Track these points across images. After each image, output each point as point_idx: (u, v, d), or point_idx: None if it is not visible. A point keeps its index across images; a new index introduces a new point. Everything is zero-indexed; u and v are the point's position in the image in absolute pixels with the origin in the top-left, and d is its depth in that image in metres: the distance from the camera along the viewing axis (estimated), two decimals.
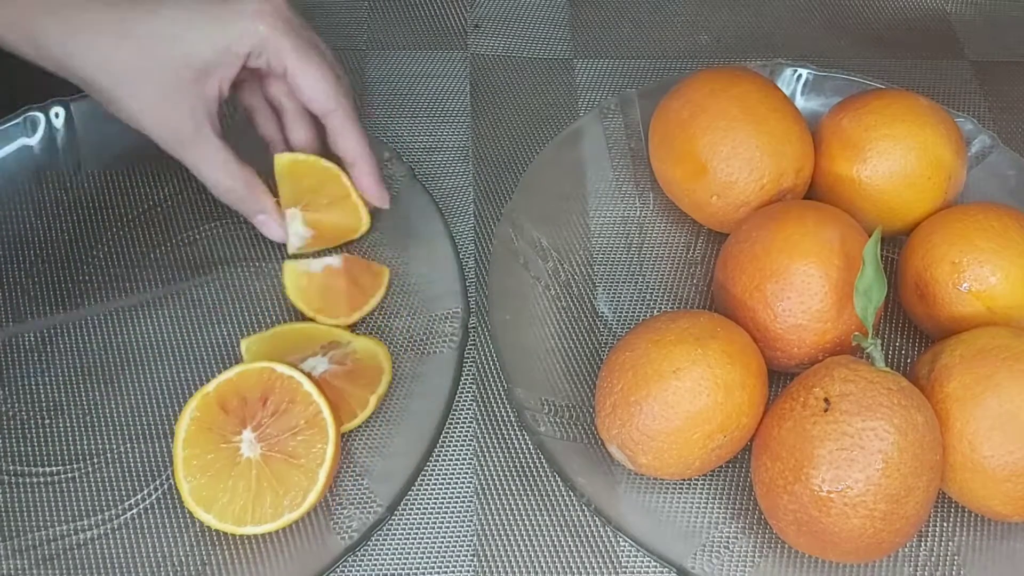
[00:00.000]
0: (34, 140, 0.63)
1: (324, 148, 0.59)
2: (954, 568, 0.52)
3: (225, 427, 0.50)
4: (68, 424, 0.54)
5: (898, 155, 0.58)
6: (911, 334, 0.61)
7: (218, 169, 0.55)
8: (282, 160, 0.58)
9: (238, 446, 0.50)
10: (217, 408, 0.51)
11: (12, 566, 0.49)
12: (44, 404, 0.55)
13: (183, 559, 0.50)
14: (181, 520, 0.51)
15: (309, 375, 0.51)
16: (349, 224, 0.60)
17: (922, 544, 0.53)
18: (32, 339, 0.57)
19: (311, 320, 0.57)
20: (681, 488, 0.54)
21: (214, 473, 0.49)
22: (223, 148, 0.54)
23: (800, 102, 0.68)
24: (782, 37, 0.76)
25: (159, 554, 0.50)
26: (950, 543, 0.53)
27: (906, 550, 0.53)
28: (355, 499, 0.51)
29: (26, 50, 0.51)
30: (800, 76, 0.68)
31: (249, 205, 0.57)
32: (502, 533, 0.53)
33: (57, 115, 0.63)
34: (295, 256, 0.60)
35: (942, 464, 0.50)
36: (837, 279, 0.53)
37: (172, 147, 0.54)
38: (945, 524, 0.54)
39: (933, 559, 0.52)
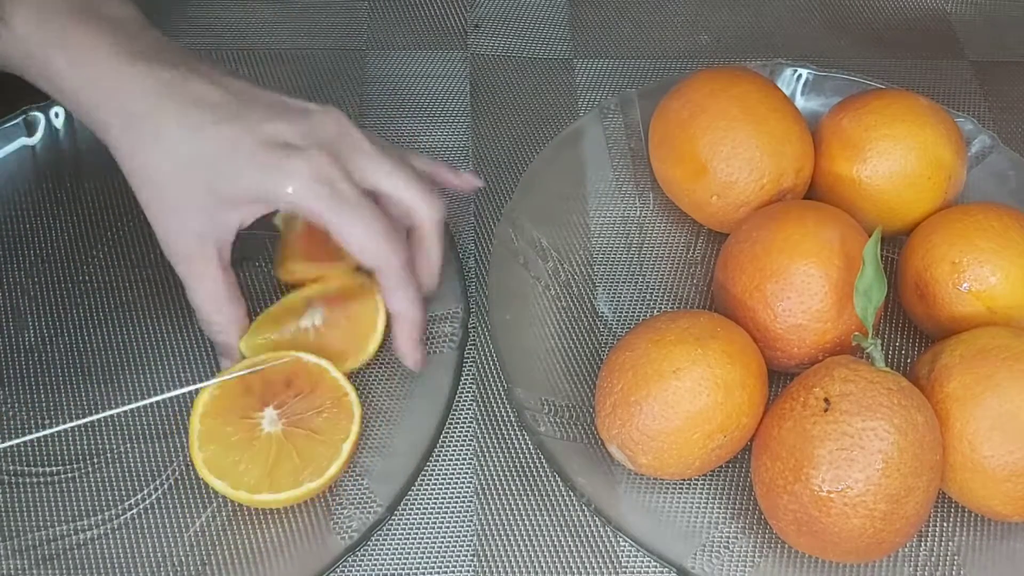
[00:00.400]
0: (34, 140, 0.63)
1: None
2: (954, 568, 0.52)
3: (246, 405, 0.51)
4: (68, 422, 0.54)
5: (898, 155, 0.58)
6: (911, 334, 0.61)
7: (206, 299, 0.53)
8: None
9: (259, 422, 0.50)
10: (239, 388, 0.51)
11: (12, 566, 0.49)
12: (44, 404, 0.54)
13: (183, 559, 0.50)
14: (181, 520, 0.51)
15: (344, 375, 0.52)
16: (352, 352, 0.56)
17: (922, 544, 0.53)
18: (32, 339, 0.57)
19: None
20: (681, 488, 0.54)
21: (231, 444, 0.50)
22: (219, 279, 0.52)
23: (800, 102, 0.68)
24: (782, 37, 0.76)
25: (159, 554, 0.50)
26: (950, 543, 0.53)
27: (906, 550, 0.53)
28: (355, 499, 0.51)
29: (79, 117, 0.51)
30: (800, 76, 0.68)
31: (220, 347, 0.54)
32: (502, 533, 0.53)
33: (57, 115, 0.63)
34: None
35: (942, 464, 0.50)
36: (837, 279, 0.53)
37: (169, 255, 0.52)
38: (945, 524, 0.54)
39: (933, 559, 0.52)
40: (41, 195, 0.62)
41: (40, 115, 0.63)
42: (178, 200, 0.50)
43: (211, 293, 0.52)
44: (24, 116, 0.62)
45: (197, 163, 0.50)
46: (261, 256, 0.59)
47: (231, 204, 0.50)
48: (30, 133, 0.63)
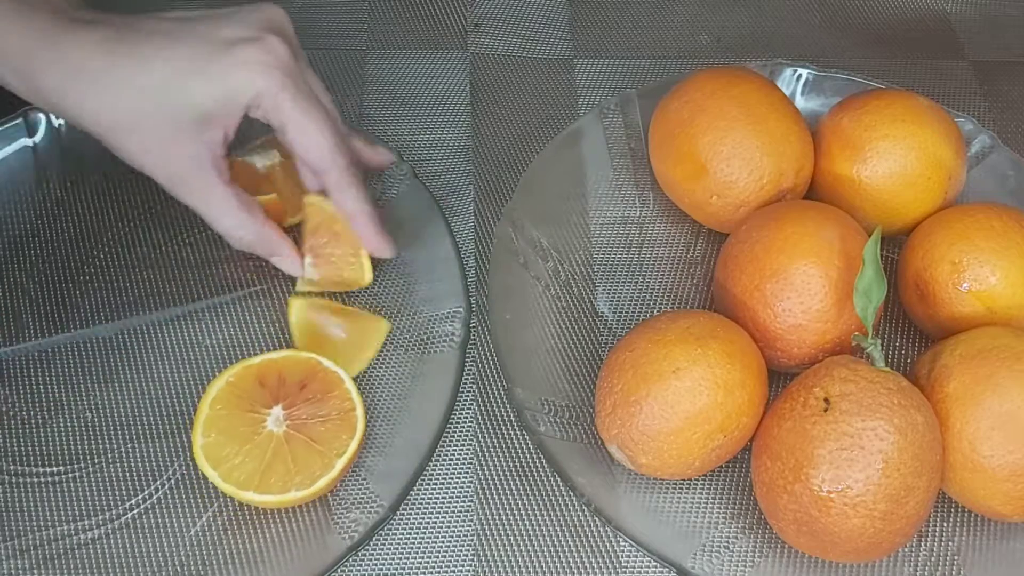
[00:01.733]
0: (35, 140, 0.63)
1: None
2: (954, 568, 0.52)
3: (257, 399, 0.51)
4: (69, 424, 0.54)
5: (898, 155, 0.58)
6: (911, 334, 0.61)
7: (225, 214, 0.53)
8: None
9: (264, 418, 0.51)
10: (254, 380, 0.51)
11: (14, 566, 0.49)
12: (45, 404, 0.55)
13: (185, 559, 0.50)
14: (183, 520, 0.51)
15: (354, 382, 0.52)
16: (353, 277, 0.58)
17: (922, 544, 0.53)
18: (32, 339, 0.57)
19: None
20: (681, 488, 0.54)
21: (232, 436, 0.50)
22: (229, 193, 0.53)
23: (800, 102, 0.68)
24: (782, 37, 0.77)
25: (161, 554, 0.50)
26: (950, 543, 0.53)
27: (906, 550, 0.53)
28: (357, 499, 0.51)
29: (16, 84, 0.50)
30: (800, 76, 0.68)
31: (263, 248, 0.55)
32: (502, 533, 0.53)
33: (58, 115, 0.63)
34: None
35: (942, 464, 0.50)
36: (837, 279, 0.53)
37: (176, 191, 0.52)
38: (945, 524, 0.54)
39: (933, 559, 0.52)
40: (41, 195, 0.62)
41: (41, 115, 0.63)
42: (155, 132, 0.50)
43: (226, 208, 0.53)
44: (25, 116, 0.62)
45: (158, 88, 0.49)
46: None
47: (208, 118, 0.50)
48: (31, 133, 0.63)
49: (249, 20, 0.51)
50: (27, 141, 0.63)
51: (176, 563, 0.50)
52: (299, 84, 0.51)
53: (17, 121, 0.62)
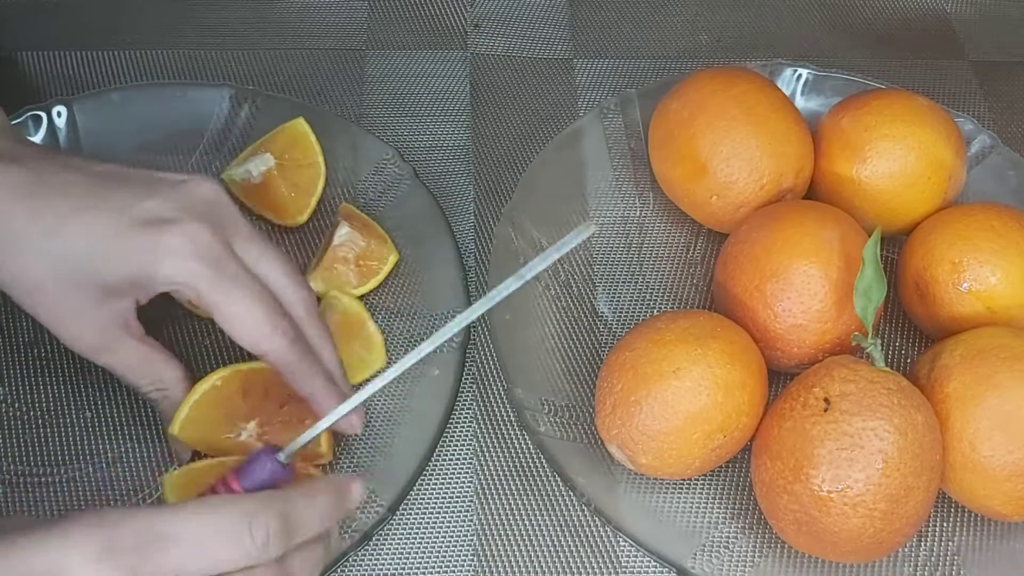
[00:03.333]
0: (36, 139, 0.63)
1: None
2: (954, 568, 0.52)
3: (236, 411, 0.51)
4: (68, 424, 0.54)
5: (898, 155, 0.58)
6: (911, 334, 0.61)
7: (135, 375, 0.50)
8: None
9: (240, 432, 0.51)
10: (238, 388, 0.51)
11: None
12: (45, 404, 0.54)
13: None
14: None
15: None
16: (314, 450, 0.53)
17: (922, 544, 0.53)
18: (32, 336, 0.57)
19: None
20: (681, 488, 0.54)
21: (208, 442, 0.51)
22: (139, 352, 0.50)
23: (800, 102, 0.68)
24: (782, 37, 0.77)
25: None
26: (950, 543, 0.53)
27: (906, 550, 0.53)
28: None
29: None
30: (800, 76, 0.68)
31: (163, 405, 0.52)
32: (502, 533, 0.53)
33: (59, 114, 0.63)
34: None
35: (942, 464, 0.50)
36: (837, 279, 0.53)
37: (88, 355, 0.50)
38: (945, 524, 0.54)
39: (933, 559, 0.52)
40: None
41: (42, 115, 0.63)
42: (64, 302, 0.47)
43: (137, 367, 0.50)
44: (26, 116, 0.62)
45: (70, 259, 0.47)
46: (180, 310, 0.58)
47: (118, 292, 0.48)
48: (32, 133, 0.63)
49: (173, 196, 0.48)
50: (29, 140, 0.63)
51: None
52: (221, 269, 0.47)
53: (19, 121, 0.62)
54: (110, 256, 0.46)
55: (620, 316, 0.60)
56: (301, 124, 0.63)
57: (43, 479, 0.52)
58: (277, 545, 0.39)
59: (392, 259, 0.59)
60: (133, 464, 0.53)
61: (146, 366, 0.50)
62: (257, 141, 0.63)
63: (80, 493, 0.52)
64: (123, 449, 0.53)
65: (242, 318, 0.47)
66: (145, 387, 0.51)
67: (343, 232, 0.58)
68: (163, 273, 0.46)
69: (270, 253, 0.50)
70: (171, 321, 0.57)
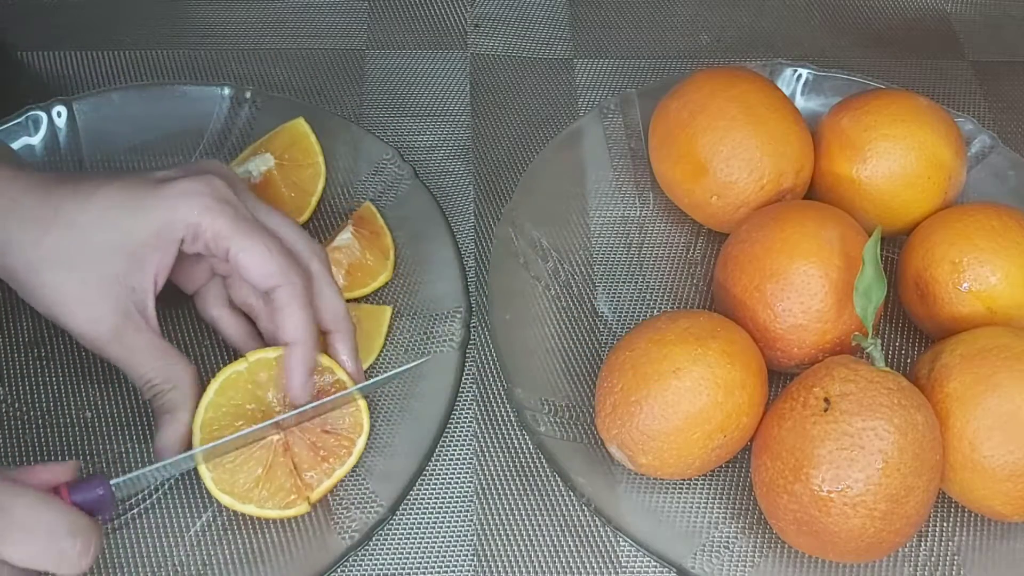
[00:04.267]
0: (36, 139, 0.63)
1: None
2: (954, 568, 0.52)
3: (261, 400, 0.51)
4: (70, 423, 0.54)
5: (898, 155, 0.58)
6: (911, 334, 0.61)
7: (148, 368, 0.49)
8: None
9: (264, 399, 0.51)
10: (261, 374, 0.51)
11: None
12: (44, 404, 0.54)
13: (184, 559, 0.50)
14: (183, 520, 0.51)
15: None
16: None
17: (922, 544, 0.53)
18: (32, 336, 0.57)
19: None
20: (681, 488, 0.54)
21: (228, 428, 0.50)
22: (154, 344, 0.50)
23: (800, 102, 0.68)
24: (782, 37, 0.77)
25: (160, 554, 0.50)
26: (950, 543, 0.53)
27: (906, 550, 0.53)
28: (356, 499, 0.51)
29: None
30: (800, 76, 0.68)
31: (169, 399, 0.50)
32: (502, 533, 0.53)
33: (59, 114, 0.63)
34: None
35: (942, 464, 0.50)
36: (837, 279, 0.53)
37: (96, 340, 0.49)
38: (945, 524, 0.54)
39: (933, 559, 0.52)
40: None
41: (42, 114, 0.63)
42: (88, 282, 0.48)
43: (151, 361, 0.49)
44: (26, 115, 0.62)
45: (94, 225, 0.48)
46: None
47: (140, 258, 0.48)
48: (32, 132, 0.63)
49: (186, 167, 0.51)
50: (29, 140, 0.62)
51: (175, 563, 0.50)
52: (239, 211, 0.49)
53: (19, 120, 0.62)
54: (136, 210, 0.48)
55: (620, 316, 0.60)
56: (301, 124, 0.63)
57: None
58: (84, 565, 0.42)
59: (383, 278, 0.59)
60: (132, 464, 0.53)
61: (160, 360, 0.50)
62: (257, 141, 0.63)
63: None
64: (122, 449, 0.53)
65: (260, 252, 0.49)
66: (156, 383, 0.50)
67: (345, 236, 0.58)
68: (182, 213, 0.48)
69: (279, 213, 0.52)
70: (174, 322, 0.57)
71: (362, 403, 0.52)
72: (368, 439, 0.51)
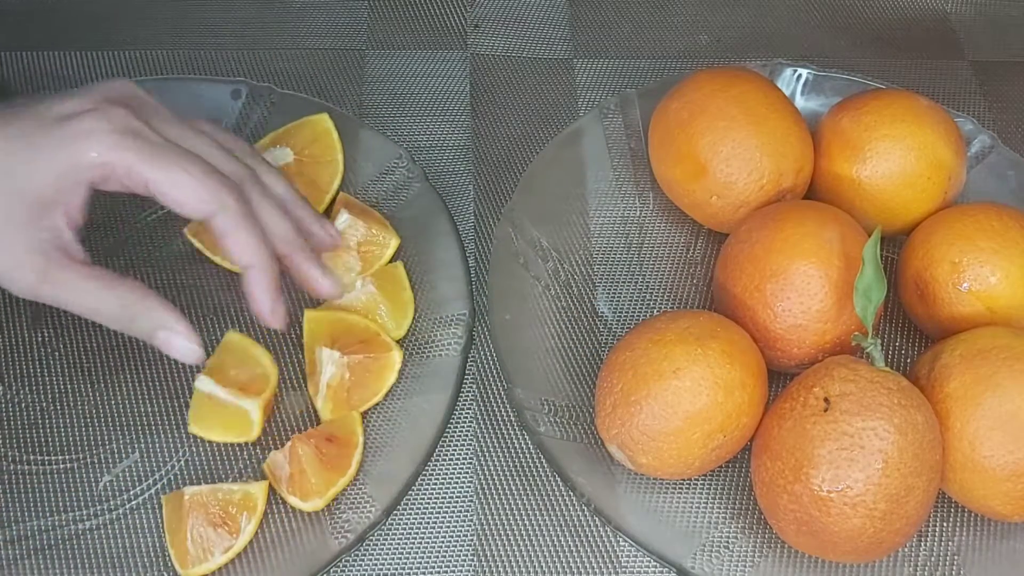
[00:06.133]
0: None
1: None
2: (954, 568, 0.52)
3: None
4: (70, 415, 0.54)
5: (898, 155, 0.58)
6: (911, 334, 0.61)
7: (87, 296, 0.46)
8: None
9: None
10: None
11: (5, 555, 0.49)
12: (46, 396, 0.55)
13: None
14: None
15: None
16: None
17: (922, 544, 0.53)
18: (32, 335, 0.57)
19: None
20: (681, 488, 0.54)
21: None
22: (87, 273, 0.46)
23: (800, 102, 0.68)
24: (782, 37, 0.77)
25: (155, 550, 0.50)
26: (950, 543, 0.53)
27: (906, 550, 0.53)
28: (354, 500, 0.51)
29: None
30: (800, 76, 0.68)
31: (141, 325, 0.47)
32: (502, 533, 0.53)
33: None
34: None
35: (942, 464, 0.50)
36: (837, 279, 0.53)
37: (26, 288, 0.46)
38: (945, 524, 0.54)
39: (933, 559, 0.52)
40: None
41: None
42: None
43: (92, 292, 0.46)
44: None
45: None
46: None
47: (44, 204, 0.45)
48: None
49: (89, 94, 0.47)
50: None
51: (170, 559, 0.50)
52: (148, 139, 0.46)
53: None
54: (33, 157, 0.45)
55: (620, 316, 0.60)
56: (325, 120, 0.62)
57: (43, 467, 0.52)
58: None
59: (394, 243, 0.59)
60: (132, 457, 0.53)
61: (98, 291, 0.46)
62: (274, 132, 0.62)
63: (79, 485, 0.52)
64: (122, 442, 0.53)
65: (180, 180, 0.46)
66: (115, 315, 0.47)
67: (343, 219, 0.58)
68: (87, 155, 0.45)
69: (198, 127, 0.49)
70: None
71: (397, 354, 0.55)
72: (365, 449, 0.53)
